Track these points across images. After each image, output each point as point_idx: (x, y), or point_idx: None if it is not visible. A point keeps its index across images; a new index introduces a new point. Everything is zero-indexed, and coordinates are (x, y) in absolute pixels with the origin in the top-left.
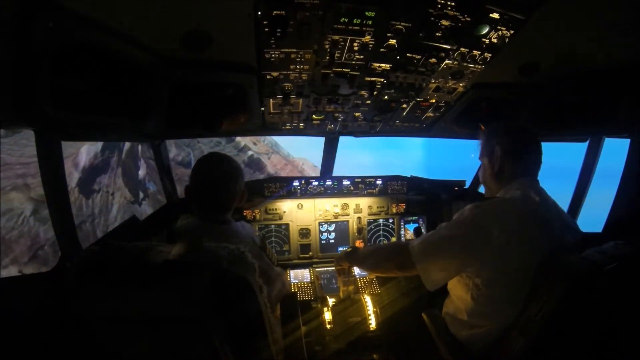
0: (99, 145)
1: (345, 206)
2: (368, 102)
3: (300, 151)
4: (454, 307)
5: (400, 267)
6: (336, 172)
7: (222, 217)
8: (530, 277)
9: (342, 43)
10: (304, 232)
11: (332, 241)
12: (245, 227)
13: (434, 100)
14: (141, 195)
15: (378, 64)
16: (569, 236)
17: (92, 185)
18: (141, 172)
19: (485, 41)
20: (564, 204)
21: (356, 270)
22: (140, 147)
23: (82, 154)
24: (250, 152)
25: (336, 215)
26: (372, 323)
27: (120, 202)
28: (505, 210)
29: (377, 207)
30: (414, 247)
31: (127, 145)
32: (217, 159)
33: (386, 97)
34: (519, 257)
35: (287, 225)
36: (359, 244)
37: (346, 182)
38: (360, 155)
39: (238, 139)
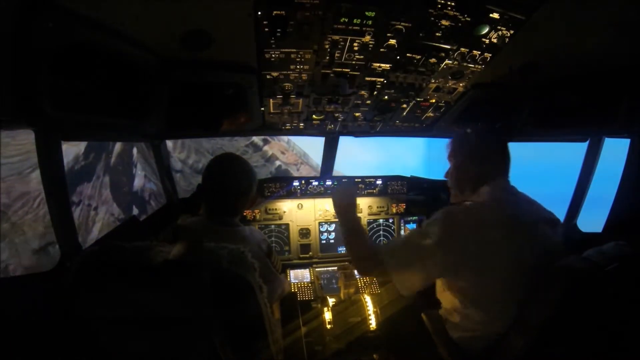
0: (81, 146)
1: None
2: (368, 102)
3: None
4: (445, 310)
5: (372, 273)
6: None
7: (231, 220)
8: (521, 281)
9: (342, 43)
10: (304, 232)
11: (332, 241)
12: (254, 233)
13: (434, 100)
14: (135, 211)
15: (378, 64)
16: (551, 230)
17: (69, 196)
18: (137, 182)
19: (485, 41)
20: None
21: (356, 271)
22: (135, 150)
23: None
24: (278, 163)
25: (336, 215)
26: (372, 323)
27: (104, 220)
28: (477, 218)
29: (377, 207)
30: (386, 253)
31: (118, 147)
32: (232, 159)
33: (386, 97)
34: (500, 263)
35: (287, 225)
36: None
37: None
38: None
39: (265, 147)
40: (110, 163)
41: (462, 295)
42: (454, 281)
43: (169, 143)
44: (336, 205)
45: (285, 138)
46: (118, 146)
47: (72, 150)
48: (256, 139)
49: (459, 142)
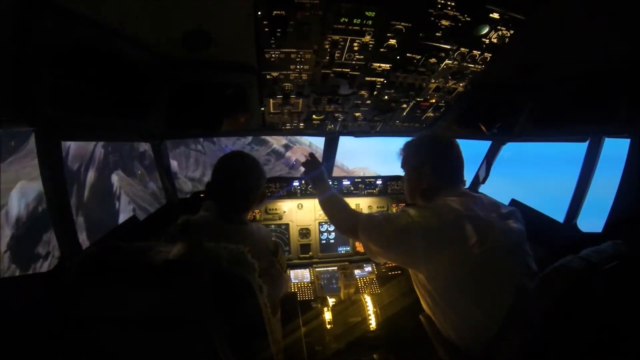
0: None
1: None
2: (368, 102)
3: (357, 161)
4: (430, 312)
5: (348, 234)
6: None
7: (239, 217)
8: (489, 281)
9: (342, 43)
10: (304, 232)
11: (332, 241)
12: (261, 230)
13: (434, 100)
14: None
15: (378, 64)
16: (515, 226)
17: (33, 247)
18: (123, 219)
19: (485, 41)
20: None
21: (356, 271)
22: (116, 178)
23: (12, 199)
24: (303, 169)
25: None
26: (372, 323)
27: None
28: (430, 220)
29: (377, 207)
30: (360, 223)
31: (91, 177)
32: (240, 156)
33: (386, 97)
34: (457, 264)
35: (287, 225)
36: (359, 245)
37: (346, 182)
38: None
39: (288, 154)
40: (84, 198)
41: (432, 300)
42: (422, 285)
43: (175, 164)
44: (310, 180)
45: (307, 141)
46: (90, 176)
47: (33, 187)
48: (277, 146)
49: (410, 153)
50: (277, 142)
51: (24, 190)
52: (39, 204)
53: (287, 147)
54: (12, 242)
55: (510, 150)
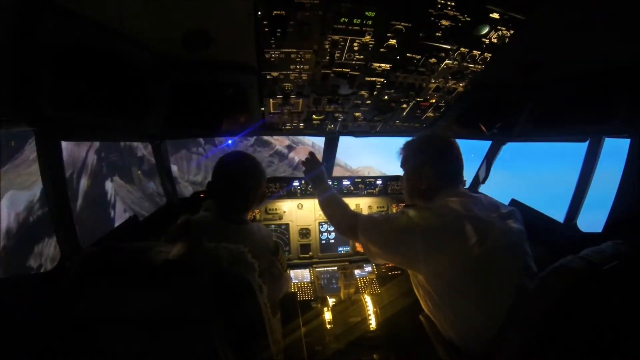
0: (35, 189)
1: None
2: (368, 102)
3: (361, 160)
4: (430, 312)
5: (347, 234)
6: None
7: (239, 217)
8: (489, 281)
9: (342, 43)
10: (304, 232)
11: (332, 241)
12: (262, 230)
13: (434, 100)
14: None
15: (378, 64)
16: (515, 226)
17: (24, 260)
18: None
19: (485, 41)
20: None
21: (356, 271)
22: (110, 185)
23: (2, 209)
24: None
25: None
26: (372, 323)
27: None
28: (429, 220)
29: (377, 207)
30: (360, 224)
31: (84, 184)
32: (239, 156)
33: (386, 97)
34: (457, 265)
35: (287, 225)
36: (359, 245)
37: (346, 182)
38: None
39: (291, 155)
40: (77, 207)
41: (432, 301)
42: (421, 285)
43: (175, 168)
44: (309, 180)
45: (310, 142)
46: (83, 183)
47: (23, 196)
48: (280, 147)
49: (410, 153)
50: (279, 143)
51: (14, 200)
52: (29, 214)
53: (290, 147)
54: (2, 253)
55: (509, 151)
